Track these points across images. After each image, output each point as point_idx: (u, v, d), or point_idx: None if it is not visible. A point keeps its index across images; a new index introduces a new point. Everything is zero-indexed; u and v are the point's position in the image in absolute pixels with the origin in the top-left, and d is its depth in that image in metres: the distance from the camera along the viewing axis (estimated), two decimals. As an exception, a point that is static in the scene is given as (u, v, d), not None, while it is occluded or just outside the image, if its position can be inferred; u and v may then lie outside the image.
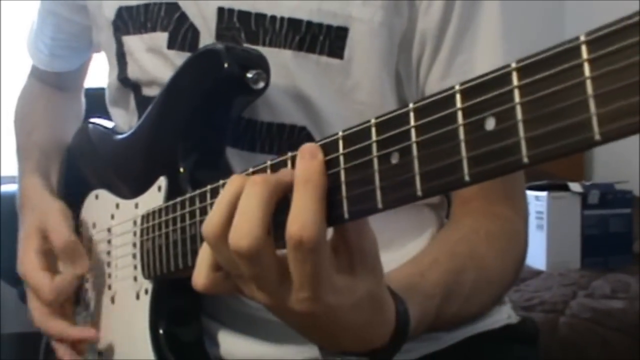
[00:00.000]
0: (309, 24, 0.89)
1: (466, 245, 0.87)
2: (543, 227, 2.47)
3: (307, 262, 0.58)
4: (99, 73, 1.25)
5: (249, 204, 0.59)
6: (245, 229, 0.59)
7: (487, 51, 0.92)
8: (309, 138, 0.91)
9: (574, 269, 2.47)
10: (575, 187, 2.52)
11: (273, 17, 0.90)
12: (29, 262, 0.99)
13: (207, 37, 0.93)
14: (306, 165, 0.59)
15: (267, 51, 0.87)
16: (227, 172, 0.89)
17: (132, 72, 1.02)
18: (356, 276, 0.62)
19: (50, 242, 0.98)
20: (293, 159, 0.61)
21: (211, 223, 0.62)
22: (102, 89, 1.12)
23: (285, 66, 0.89)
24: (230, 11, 0.91)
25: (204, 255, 0.66)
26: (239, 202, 0.60)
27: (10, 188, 1.16)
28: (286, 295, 0.61)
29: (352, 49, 0.90)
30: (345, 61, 0.91)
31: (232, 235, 0.59)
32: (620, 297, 2.13)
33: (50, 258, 0.99)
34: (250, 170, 0.68)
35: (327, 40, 0.90)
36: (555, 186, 2.55)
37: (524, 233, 0.96)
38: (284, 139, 0.92)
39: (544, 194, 2.48)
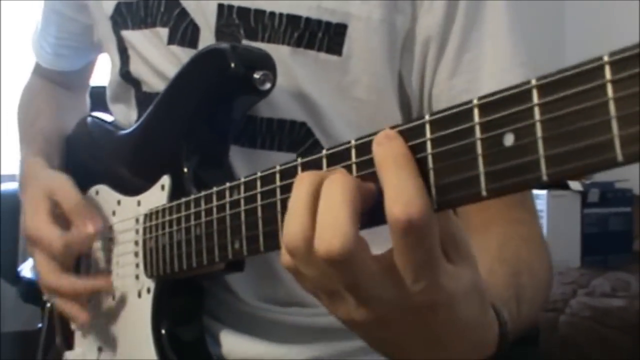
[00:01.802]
0: (308, 20, 0.89)
1: (510, 251, 0.83)
2: (543, 225, 2.47)
3: (421, 245, 0.51)
4: (102, 71, 1.24)
5: (334, 202, 0.52)
6: (334, 230, 0.51)
7: (495, 47, 0.91)
8: (309, 134, 0.92)
9: (574, 267, 2.46)
10: (575, 185, 2.51)
11: (272, 13, 0.90)
12: (38, 219, 0.97)
13: (207, 33, 0.93)
14: (390, 146, 0.53)
15: (265, 47, 0.87)
16: (230, 172, 0.89)
17: (134, 66, 1.02)
18: (456, 264, 0.55)
19: (60, 205, 0.97)
20: (303, 165, 0.61)
21: (294, 232, 0.54)
22: (105, 88, 1.12)
23: (284, 62, 0.89)
24: (230, 7, 0.92)
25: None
26: (320, 202, 0.53)
27: (10, 186, 1.15)
28: (397, 296, 0.54)
29: (351, 45, 0.90)
30: (343, 58, 0.91)
31: (319, 240, 0.52)
32: (620, 296, 2.13)
33: (59, 220, 0.97)
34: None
35: (325, 36, 0.90)
36: (555, 184, 2.54)
37: (542, 233, 0.94)
38: (284, 135, 0.92)
39: (543, 192, 2.48)
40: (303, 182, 0.55)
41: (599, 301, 2.09)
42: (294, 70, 0.91)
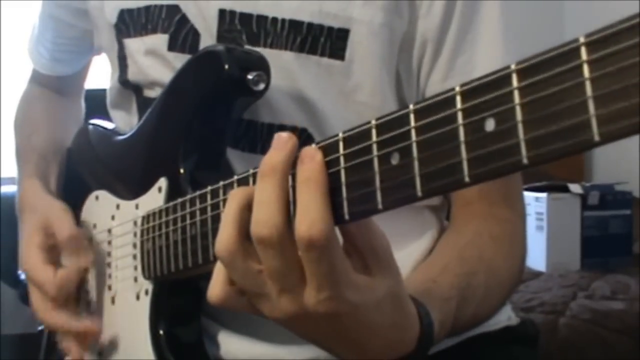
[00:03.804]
0: (310, 25, 0.90)
1: (473, 249, 0.87)
2: (543, 228, 2.47)
3: (321, 261, 0.58)
4: (99, 74, 1.24)
5: (265, 194, 0.60)
6: (265, 217, 0.59)
7: (488, 51, 0.92)
8: (310, 139, 0.91)
9: (574, 270, 2.46)
10: (575, 188, 2.52)
11: (274, 19, 0.90)
12: (31, 257, 0.98)
13: (208, 39, 0.93)
14: (306, 167, 0.59)
15: (268, 53, 0.87)
16: (227, 173, 0.89)
17: (133, 75, 1.02)
18: (374, 276, 0.62)
19: (54, 236, 0.98)
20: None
21: (221, 241, 0.62)
22: (103, 90, 1.12)
23: (286, 68, 0.90)
24: (232, 13, 0.92)
25: (219, 268, 0.66)
26: (255, 196, 0.61)
27: (10, 189, 1.15)
28: (308, 297, 0.60)
29: (353, 50, 0.90)
30: (346, 62, 0.91)
31: (254, 226, 0.60)
32: (620, 298, 2.13)
33: (53, 254, 0.99)
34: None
35: (328, 41, 0.90)
36: (555, 187, 2.54)
37: (523, 233, 0.97)
38: None
39: (543, 195, 2.48)
40: (233, 196, 0.64)
41: (599, 304, 2.09)
42: (296, 75, 0.91)
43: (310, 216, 0.57)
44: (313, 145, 0.61)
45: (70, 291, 0.99)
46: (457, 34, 0.92)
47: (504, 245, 0.91)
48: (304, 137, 0.92)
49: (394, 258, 0.64)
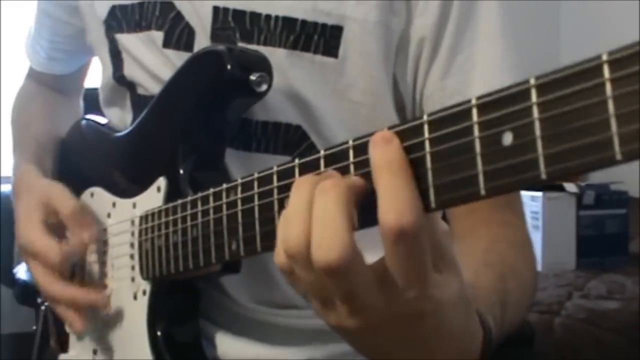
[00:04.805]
0: (304, 22, 0.89)
1: (495, 255, 0.83)
2: (538, 227, 2.47)
3: (413, 253, 0.51)
4: (95, 74, 1.24)
5: (328, 211, 0.52)
6: (331, 239, 0.51)
7: (487, 50, 0.92)
8: (304, 136, 0.92)
9: (570, 269, 2.46)
10: (570, 187, 2.52)
11: (268, 16, 0.90)
12: (33, 229, 0.96)
13: (202, 37, 0.93)
14: (386, 150, 0.52)
15: (261, 50, 0.87)
16: (226, 174, 0.89)
17: (129, 70, 1.01)
18: (442, 273, 0.55)
19: (56, 214, 0.96)
20: (301, 166, 0.60)
21: (297, 237, 0.54)
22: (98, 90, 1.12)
23: (279, 65, 0.89)
24: (225, 10, 0.91)
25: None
26: (313, 212, 0.53)
27: (8, 188, 1.14)
28: (388, 304, 0.54)
29: (347, 48, 0.90)
30: (339, 60, 0.91)
31: (317, 250, 0.52)
32: (616, 298, 2.13)
33: (54, 231, 0.97)
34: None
35: (321, 39, 0.90)
36: (551, 186, 2.54)
37: (529, 237, 0.95)
38: (279, 138, 0.92)
39: (539, 194, 2.48)
40: (302, 186, 0.55)
41: (595, 303, 2.09)
42: (289, 72, 0.90)
43: (400, 203, 0.50)
44: (385, 130, 0.54)
45: (73, 263, 0.97)
46: (455, 32, 0.91)
47: (520, 250, 0.88)
48: (298, 135, 0.92)
49: (456, 257, 0.58)
